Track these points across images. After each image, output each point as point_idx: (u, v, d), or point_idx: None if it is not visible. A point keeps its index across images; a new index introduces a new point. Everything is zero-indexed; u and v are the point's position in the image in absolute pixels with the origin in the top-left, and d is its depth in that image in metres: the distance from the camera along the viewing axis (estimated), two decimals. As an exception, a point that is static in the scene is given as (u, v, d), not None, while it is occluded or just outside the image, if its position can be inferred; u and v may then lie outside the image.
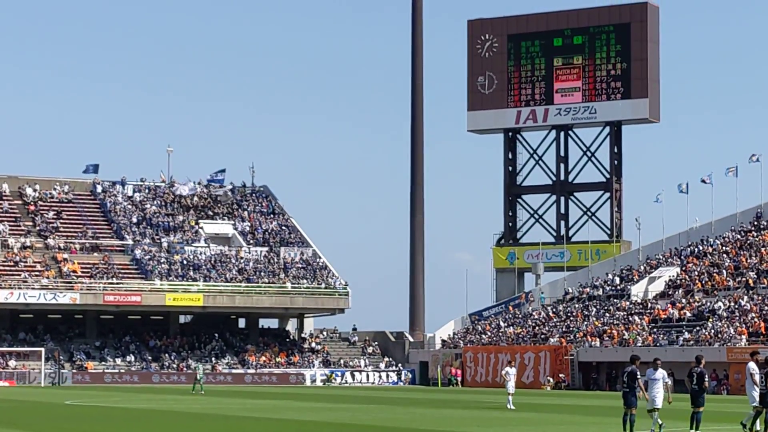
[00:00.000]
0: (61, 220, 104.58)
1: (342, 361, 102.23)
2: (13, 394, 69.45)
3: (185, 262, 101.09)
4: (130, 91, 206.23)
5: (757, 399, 32.65)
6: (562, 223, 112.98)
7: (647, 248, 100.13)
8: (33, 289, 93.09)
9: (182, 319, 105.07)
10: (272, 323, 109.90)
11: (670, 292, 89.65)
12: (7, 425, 37.59)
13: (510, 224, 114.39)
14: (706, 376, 33.21)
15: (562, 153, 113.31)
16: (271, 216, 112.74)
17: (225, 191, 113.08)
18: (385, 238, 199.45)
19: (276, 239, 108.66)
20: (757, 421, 32.95)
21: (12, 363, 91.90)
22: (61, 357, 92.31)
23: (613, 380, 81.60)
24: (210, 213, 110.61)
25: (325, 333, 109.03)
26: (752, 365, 32.86)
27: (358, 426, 37.87)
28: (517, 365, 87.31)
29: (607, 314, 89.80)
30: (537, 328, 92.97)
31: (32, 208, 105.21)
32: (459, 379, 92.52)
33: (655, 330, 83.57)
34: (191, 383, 76.12)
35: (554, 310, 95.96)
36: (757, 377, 32.66)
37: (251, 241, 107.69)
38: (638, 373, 32.18)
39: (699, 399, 32.82)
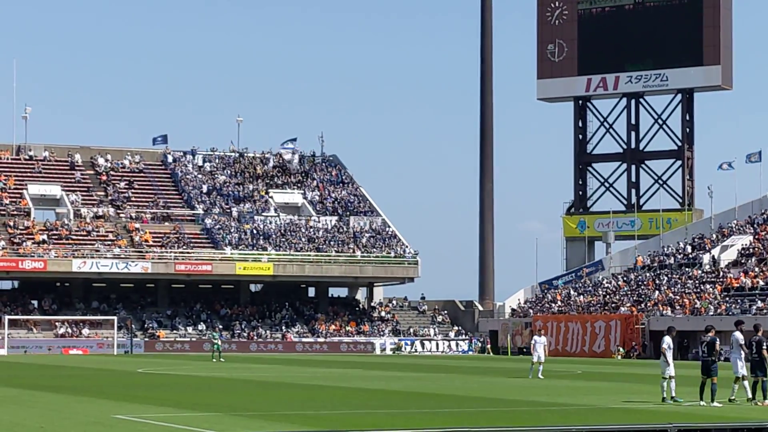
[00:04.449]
0: (133, 190, 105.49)
1: (411, 330, 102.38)
2: (87, 361, 70.35)
3: (255, 231, 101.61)
4: (199, 62, 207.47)
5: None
6: (633, 191, 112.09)
7: (719, 216, 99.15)
8: (105, 258, 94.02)
9: (252, 288, 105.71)
10: (342, 292, 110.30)
11: (742, 261, 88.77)
12: (83, 392, 38.06)
13: (580, 193, 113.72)
14: (765, 344, 32.76)
15: (632, 121, 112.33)
16: (341, 185, 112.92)
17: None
18: (454, 207, 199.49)
19: (345, 208, 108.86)
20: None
21: (85, 331, 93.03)
22: (133, 325, 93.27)
23: (684, 349, 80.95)
24: (280, 182, 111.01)
25: (394, 302, 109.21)
26: None
27: (427, 394, 37.89)
28: (589, 334, 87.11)
29: (678, 283, 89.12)
30: (607, 296, 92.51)
31: (104, 178, 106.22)
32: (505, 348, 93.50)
33: (727, 299, 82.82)
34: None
35: (625, 278, 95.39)
36: None
37: (321, 210, 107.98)
38: (717, 341, 32.21)
39: (759, 368, 32.44)
